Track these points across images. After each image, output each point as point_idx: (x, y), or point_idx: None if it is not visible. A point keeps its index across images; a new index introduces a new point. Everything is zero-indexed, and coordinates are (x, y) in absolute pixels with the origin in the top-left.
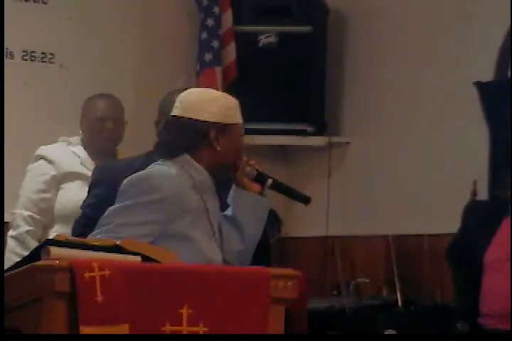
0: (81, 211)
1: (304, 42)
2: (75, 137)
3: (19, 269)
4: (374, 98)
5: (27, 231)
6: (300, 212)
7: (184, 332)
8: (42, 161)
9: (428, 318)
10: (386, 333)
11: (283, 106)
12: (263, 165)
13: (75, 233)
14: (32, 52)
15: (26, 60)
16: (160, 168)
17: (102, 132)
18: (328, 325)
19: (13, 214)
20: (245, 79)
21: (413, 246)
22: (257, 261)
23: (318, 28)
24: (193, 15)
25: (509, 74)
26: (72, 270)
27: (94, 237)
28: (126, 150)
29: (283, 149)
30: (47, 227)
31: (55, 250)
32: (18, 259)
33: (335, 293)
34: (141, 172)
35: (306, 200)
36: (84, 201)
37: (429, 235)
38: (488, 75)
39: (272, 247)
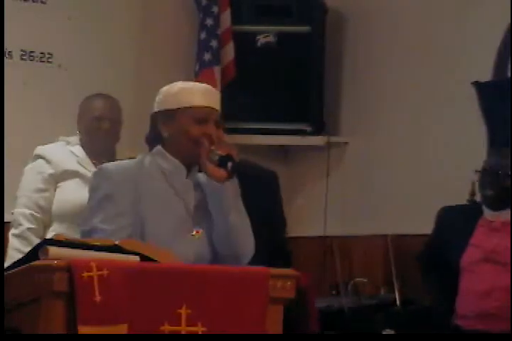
0: None
1: (302, 42)
2: (74, 137)
3: (17, 269)
4: (373, 98)
5: (29, 229)
6: (299, 211)
7: (183, 332)
8: (40, 160)
9: (426, 318)
10: (384, 333)
11: (282, 106)
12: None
13: None
14: (31, 52)
15: (25, 60)
16: (114, 163)
17: (99, 132)
18: (327, 325)
19: (13, 213)
20: (244, 79)
21: (412, 246)
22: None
23: (316, 28)
24: (192, 14)
25: (508, 74)
26: (70, 270)
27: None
28: (125, 150)
29: (282, 149)
30: (46, 226)
31: (53, 250)
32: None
33: (333, 292)
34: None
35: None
36: None
37: (428, 235)
38: (486, 75)
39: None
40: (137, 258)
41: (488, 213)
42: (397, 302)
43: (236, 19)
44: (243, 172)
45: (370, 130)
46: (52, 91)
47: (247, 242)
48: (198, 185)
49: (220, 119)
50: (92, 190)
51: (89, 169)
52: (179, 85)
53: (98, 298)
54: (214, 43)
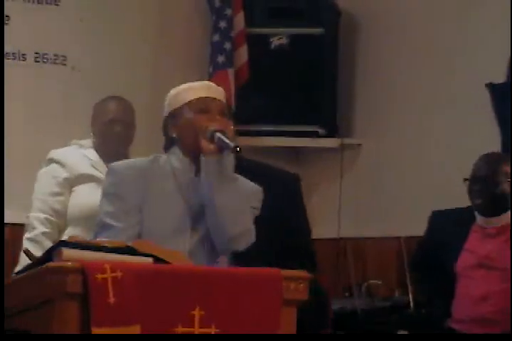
0: None
1: (315, 44)
2: (87, 140)
3: (31, 271)
4: (386, 99)
5: (43, 233)
6: (312, 213)
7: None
8: (54, 164)
9: (440, 320)
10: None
11: (295, 108)
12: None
13: None
14: (44, 54)
15: (38, 62)
16: (126, 161)
17: (111, 134)
18: (340, 327)
19: (27, 217)
20: (257, 82)
21: None
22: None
23: (329, 30)
24: (205, 17)
25: None
26: (84, 271)
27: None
28: (138, 153)
29: (295, 151)
30: (61, 229)
31: (67, 252)
32: None
33: (347, 294)
34: None
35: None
36: None
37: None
38: (499, 76)
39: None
40: (150, 259)
41: (480, 219)
42: (411, 304)
43: (249, 21)
44: (262, 174)
45: (382, 131)
46: (66, 93)
47: (237, 224)
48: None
49: (226, 110)
50: (104, 188)
51: (103, 172)
52: (179, 86)
53: (112, 300)
54: (227, 46)
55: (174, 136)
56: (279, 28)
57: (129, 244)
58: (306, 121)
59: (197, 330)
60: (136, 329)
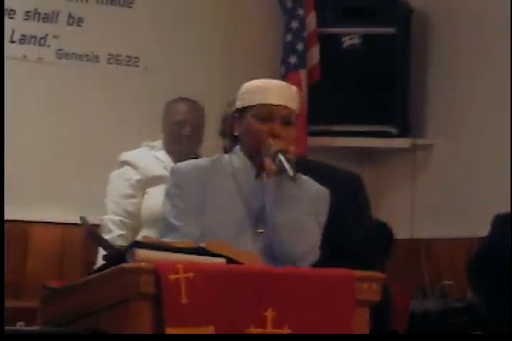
0: None
1: (387, 43)
2: (158, 141)
3: (106, 271)
4: (459, 99)
5: (119, 236)
6: (385, 214)
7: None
8: (126, 167)
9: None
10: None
11: (367, 108)
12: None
13: None
14: (117, 55)
15: (112, 64)
16: (187, 162)
17: (180, 136)
18: (413, 327)
19: (102, 219)
20: (329, 82)
21: None
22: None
23: (401, 29)
24: (276, 17)
25: None
26: (156, 272)
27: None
28: (210, 153)
29: (367, 151)
30: (135, 231)
31: (140, 252)
32: None
33: (420, 295)
34: None
35: (293, 178)
36: None
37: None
38: None
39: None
40: (223, 260)
41: None
42: (480, 304)
43: (321, 21)
44: (320, 174)
45: (456, 132)
46: (139, 94)
47: (299, 244)
48: (277, 187)
49: (290, 117)
50: (167, 188)
51: None
52: (248, 84)
53: (185, 300)
54: (300, 46)
55: (237, 134)
56: (350, 28)
57: (202, 244)
58: (378, 121)
59: (269, 331)
60: (209, 330)
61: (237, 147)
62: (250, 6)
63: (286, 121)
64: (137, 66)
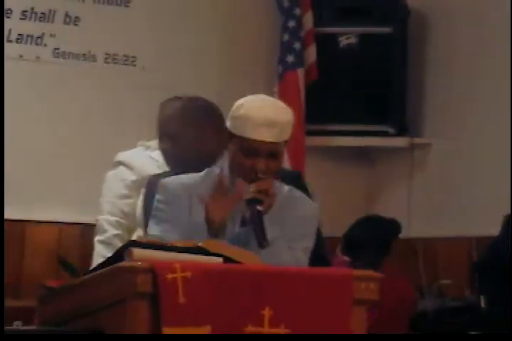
0: None
1: (384, 43)
2: (153, 141)
3: (102, 270)
4: (456, 99)
5: (115, 235)
6: (382, 213)
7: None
8: (121, 167)
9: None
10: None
11: (364, 107)
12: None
13: None
14: (114, 55)
15: (109, 63)
16: (175, 177)
17: None
18: (411, 327)
19: (97, 220)
20: (326, 81)
21: None
22: None
23: (398, 29)
24: (273, 17)
25: None
26: (154, 271)
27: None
28: None
29: (364, 150)
30: (131, 232)
31: (137, 251)
32: None
33: (417, 294)
34: None
35: (261, 244)
36: None
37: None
38: None
39: None
40: (220, 259)
41: None
42: (482, 304)
43: (318, 21)
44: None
45: (453, 131)
46: (137, 93)
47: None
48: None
49: (277, 150)
50: (155, 204)
51: None
52: (242, 108)
53: (182, 300)
54: (297, 45)
55: (227, 151)
56: (347, 27)
57: (200, 243)
58: (375, 120)
59: (266, 330)
60: (206, 330)
61: (227, 163)
62: (247, 6)
63: (273, 154)
64: (134, 65)
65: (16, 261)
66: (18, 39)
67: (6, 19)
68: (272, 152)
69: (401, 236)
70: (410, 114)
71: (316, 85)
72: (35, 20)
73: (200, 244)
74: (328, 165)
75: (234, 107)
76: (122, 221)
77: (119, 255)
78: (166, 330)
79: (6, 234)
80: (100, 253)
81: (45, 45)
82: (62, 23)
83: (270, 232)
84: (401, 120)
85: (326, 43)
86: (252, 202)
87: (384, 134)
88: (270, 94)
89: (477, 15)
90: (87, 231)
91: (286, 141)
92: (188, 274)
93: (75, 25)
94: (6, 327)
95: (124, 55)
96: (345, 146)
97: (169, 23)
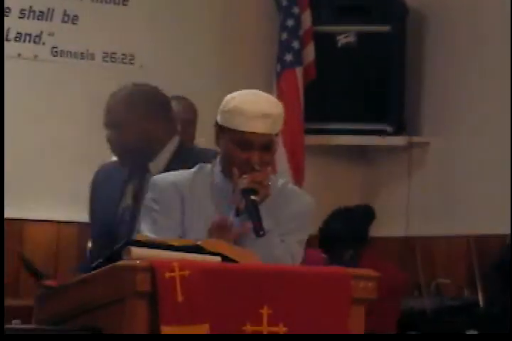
0: None
1: (382, 41)
2: None
3: (101, 269)
4: (454, 97)
5: None
6: (380, 212)
7: (264, 332)
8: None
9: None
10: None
11: (362, 106)
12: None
13: None
14: (112, 53)
15: (107, 62)
16: (165, 175)
17: None
18: (409, 326)
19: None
20: (324, 80)
21: (494, 246)
22: None
23: (397, 28)
24: (272, 15)
25: None
26: (152, 270)
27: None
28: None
29: (362, 149)
30: None
31: (135, 250)
32: None
33: (415, 293)
34: None
35: (258, 233)
36: None
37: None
38: None
39: None
40: (218, 258)
41: None
42: (480, 303)
43: (316, 19)
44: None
45: (451, 129)
46: None
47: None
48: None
49: (272, 142)
50: (145, 201)
51: None
52: (232, 100)
53: (180, 298)
54: (295, 44)
55: (218, 147)
56: (346, 26)
57: (199, 242)
58: (373, 119)
59: (265, 329)
60: (204, 328)
61: (218, 158)
62: (246, 4)
63: (267, 147)
64: (132, 64)
65: (14, 259)
66: (16, 38)
67: (4, 18)
68: (265, 144)
69: (399, 234)
70: (408, 112)
71: (315, 84)
72: (33, 18)
73: (198, 243)
74: (327, 164)
75: (224, 102)
76: None
77: (117, 254)
78: (165, 329)
79: (4, 233)
80: None
81: (44, 43)
82: (61, 22)
83: (265, 224)
84: (399, 119)
85: (324, 42)
86: (246, 192)
87: (382, 133)
88: (269, 92)
89: (475, 14)
90: (85, 229)
91: (277, 134)
92: (187, 273)
93: (74, 23)
94: (5, 326)
95: (123, 54)
96: (343, 145)
97: (167, 21)
